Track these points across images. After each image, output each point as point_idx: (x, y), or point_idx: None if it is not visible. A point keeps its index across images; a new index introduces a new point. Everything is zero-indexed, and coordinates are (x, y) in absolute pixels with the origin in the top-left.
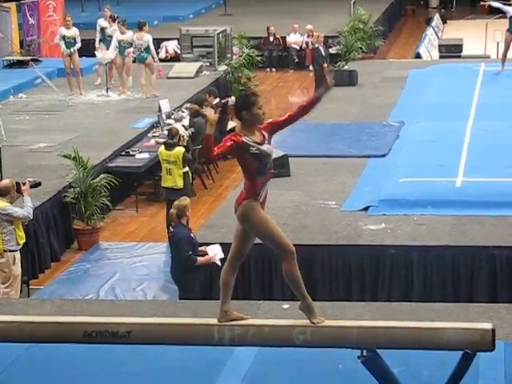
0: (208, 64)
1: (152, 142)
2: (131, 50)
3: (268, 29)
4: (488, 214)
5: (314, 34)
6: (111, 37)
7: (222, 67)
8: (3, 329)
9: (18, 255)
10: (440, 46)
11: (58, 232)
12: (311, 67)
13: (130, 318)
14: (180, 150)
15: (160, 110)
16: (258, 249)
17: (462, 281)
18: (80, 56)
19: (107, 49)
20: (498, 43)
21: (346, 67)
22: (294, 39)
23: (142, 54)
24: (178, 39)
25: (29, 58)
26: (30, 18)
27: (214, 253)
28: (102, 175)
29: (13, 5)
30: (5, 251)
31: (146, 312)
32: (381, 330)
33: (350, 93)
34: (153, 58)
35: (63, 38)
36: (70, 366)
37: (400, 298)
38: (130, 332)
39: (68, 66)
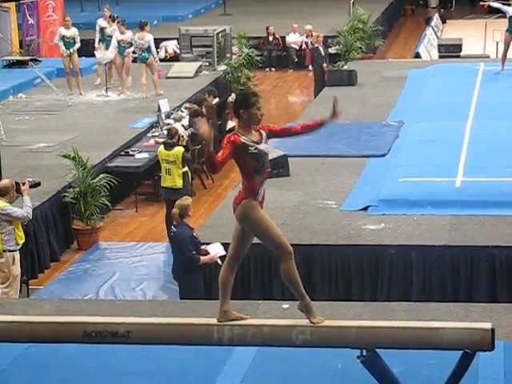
0: (207, 64)
1: (151, 141)
2: (131, 50)
3: (267, 29)
4: (487, 213)
5: (314, 33)
6: (111, 37)
7: (222, 67)
8: (3, 329)
9: (17, 255)
10: (439, 46)
11: (57, 232)
12: (310, 67)
13: (130, 318)
14: (179, 149)
15: (159, 110)
16: (257, 249)
17: (462, 280)
18: (79, 56)
19: (107, 49)
20: (497, 43)
21: (345, 67)
22: (294, 39)
23: (144, 54)
24: (177, 39)
25: (28, 57)
26: (29, 18)
27: (216, 251)
28: (102, 175)
29: (12, 5)
30: (4, 251)
31: (145, 312)
32: (380, 329)
33: (350, 93)
34: (153, 57)
35: (62, 38)
36: (69, 366)
37: (399, 297)
38: (130, 332)
39: (67, 66)
